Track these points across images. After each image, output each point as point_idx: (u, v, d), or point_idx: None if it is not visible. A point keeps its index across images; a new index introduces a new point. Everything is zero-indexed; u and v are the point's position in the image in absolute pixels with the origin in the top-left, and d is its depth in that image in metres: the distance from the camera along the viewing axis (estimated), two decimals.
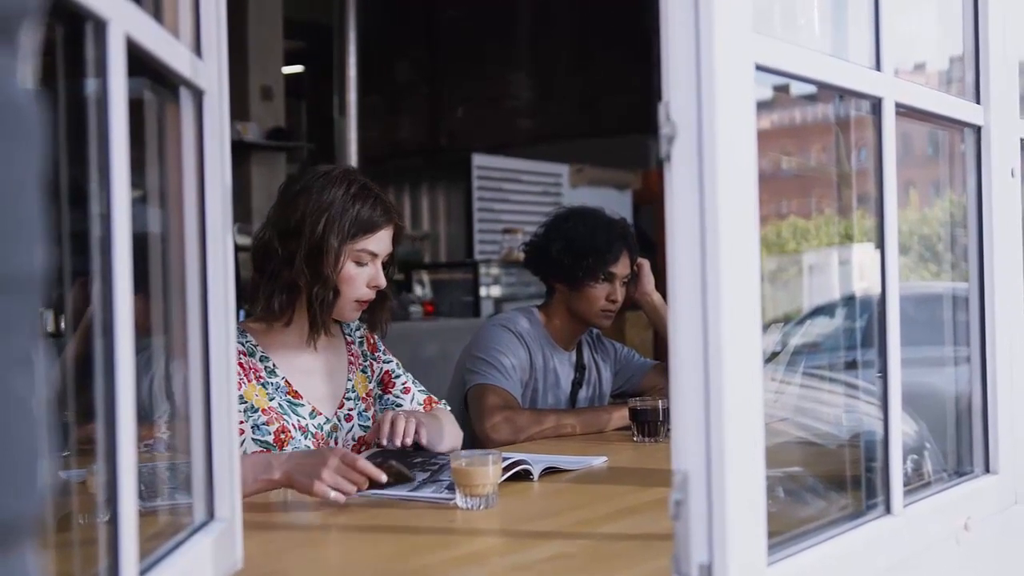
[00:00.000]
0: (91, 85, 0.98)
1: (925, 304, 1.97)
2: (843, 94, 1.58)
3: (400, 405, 2.40)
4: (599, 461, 2.33)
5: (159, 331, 1.35)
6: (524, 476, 2.12)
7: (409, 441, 2.15)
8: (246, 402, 2.15)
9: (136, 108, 1.06)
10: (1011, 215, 1.85)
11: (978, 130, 1.81)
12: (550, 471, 2.19)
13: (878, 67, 1.50)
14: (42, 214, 0.55)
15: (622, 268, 2.94)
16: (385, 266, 2.28)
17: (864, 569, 1.44)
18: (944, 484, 1.74)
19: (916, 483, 1.65)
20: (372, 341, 2.45)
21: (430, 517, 1.84)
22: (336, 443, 2.27)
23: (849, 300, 2.00)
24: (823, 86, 1.48)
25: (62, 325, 1.26)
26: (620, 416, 2.79)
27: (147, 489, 1.30)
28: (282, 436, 2.17)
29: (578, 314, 2.96)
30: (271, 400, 2.19)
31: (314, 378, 2.29)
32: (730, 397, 1.13)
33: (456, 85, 9.71)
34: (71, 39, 0.95)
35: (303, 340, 2.26)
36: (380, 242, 2.24)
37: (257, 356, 2.23)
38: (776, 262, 1.73)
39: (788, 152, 1.86)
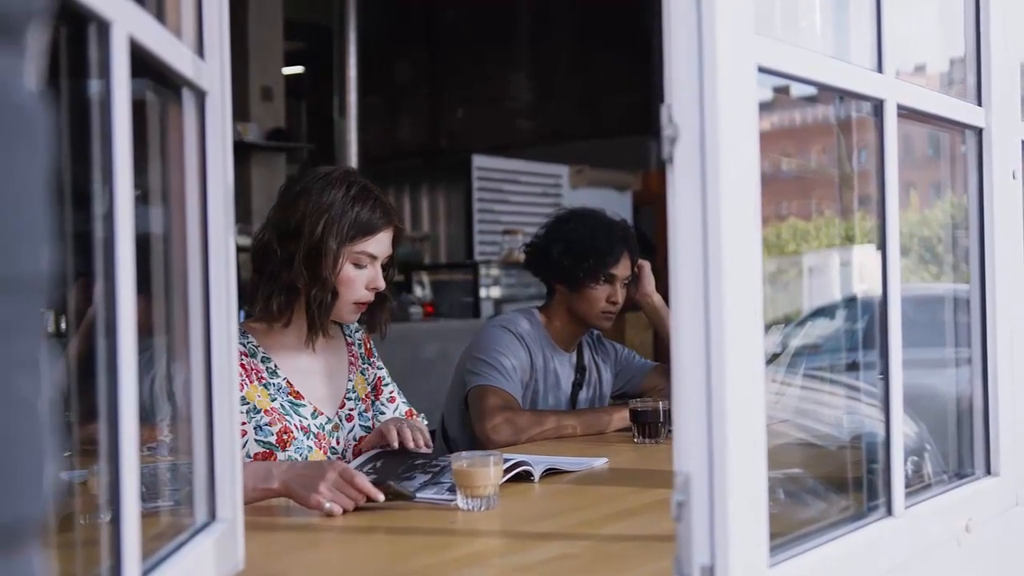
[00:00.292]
0: (94, 86, 0.98)
1: (925, 306, 1.97)
2: (845, 96, 1.58)
3: (383, 414, 2.40)
4: (600, 462, 2.33)
5: (161, 332, 1.35)
6: (525, 477, 2.12)
7: (420, 446, 2.15)
8: (248, 403, 2.15)
9: (138, 109, 1.06)
10: (1012, 217, 1.85)
11: (979, 132, 1.81)
12: (551, 472, 2.19)
13: (880, 69, 1.50)
14: (48, 216, 0.55)
15: (623, 269, 2.94)
16: (385, 268, 2.28)
17: (865, 570, 1.44)
18: (945, 486, 1.74)
19: (916, 485, 1.65)
20: (368, 346, 2.45)
21: (431, 518, 1.84)
22: (338, 443, 2.28)
23: (849, 302, 2.00)
24: (825, 88, 1.48)
25: (63, 325, 1.26)
26: (621, 417, 2.79)
27: (148, 490, 1.30)
28: (284, 437, 2.17)
29: (578, 315, 2.96)
30: (273, 401, 2.19)
31: (315, 378, 2.29)
32: (732, 398, 1.13)
33: (456, 86, 9.71)
34: (74, 40, 0.95)
35: (303, 341, 2.26)
36: (379, 244, 2.24)
37: (258, 357, 2.23)
38: (776, 263, 1.73)
39: (787, 153, 1.86)
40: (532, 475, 2.12)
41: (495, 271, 7.34)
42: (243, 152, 6.97)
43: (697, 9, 1.13)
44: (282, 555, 1.65)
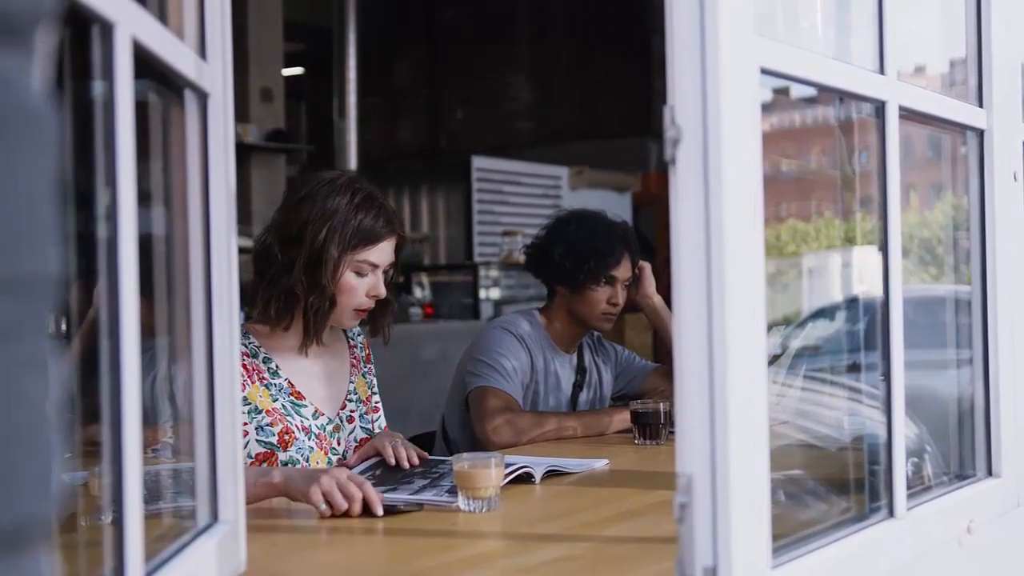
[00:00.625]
0: (97, 87, 0.98)
1: (925, 307, 1.97)
2: (847, 97, 1.58)
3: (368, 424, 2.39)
4: (601, 464, 2.33)
5: (163, 333, 1.35)
6: (526, 479, 2.12)
7: (415, 462, 2.16)
8: (250, 403, 2.15)
9: (140, 110, 1.06)
10: (1013, 218, 1.85)
11: (981, 133, 1.81)
12: (552, 474, 2.19)
13: (881, 70, 1.50)
14: (55, 217, 0.55)
15: (623, 271, 2.94)
16: (386, 273, 2.27)
17: (867, 572, 1.44)
18: (946, 487, 1.74)
19: (916, 486, 1.65)
20: (367, 351, 2.46)
21: (432, 520, 1.84)
22: (339, 443, 2.28)
23: (849, 303, 2.00)
24: (827, 89, 1.48)
25: (63, 326, 1.26)
26: (621, 419, 2.79)
27: (150, 492, 1.30)
28: (286, 437, 2.17)
29: (579, 317, 2.96)
30: (275, 401, 2.19)
31: (316, 379, 2.29)
32: (734, 400, 1.13)
33: (456, 87, 9.71)
34: (77, 41, 0.95)
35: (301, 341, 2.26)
36: (382, 253, 2.23)
37: (260, 358, 2.23)
38: (775, 264, 1.73)
39: (787, 154, 1.87)
40: (533, 477, 2.12)
41: (495, 272, 7.33)
42: (243, 153, 6.96)
43: (700, 11, 1.13)
44: (284, 556, 1.65)
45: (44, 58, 0.55)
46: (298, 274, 2.16)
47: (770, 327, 1.24)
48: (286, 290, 2.18)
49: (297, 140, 7.99)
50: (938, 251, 2.08)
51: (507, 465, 1.98)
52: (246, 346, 2.21)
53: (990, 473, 1.81)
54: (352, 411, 2.34)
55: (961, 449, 1.86)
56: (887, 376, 1.51)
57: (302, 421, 2.21)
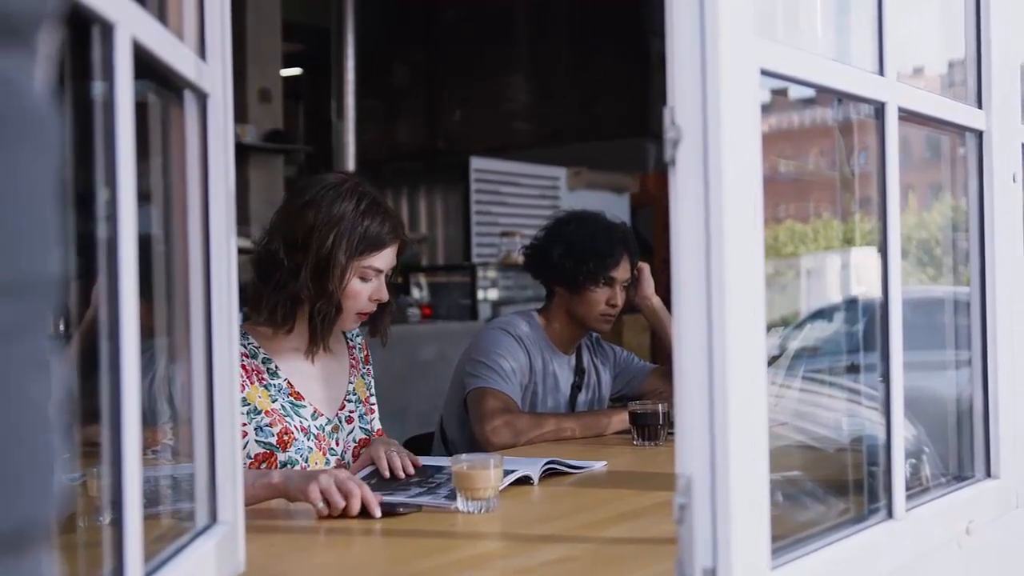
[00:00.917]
0: (97, 88, 0.98)
1: (923, 308, 1.97)
2: (847, 99, 1.58)
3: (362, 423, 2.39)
4: (599, 465, 2.33)
5: (162, 333, 1.35)
6: (525, 480, 2.11)
7: (411, 471, 2.14)
8: (249, 404, 2.15)
9: (140, 111, 1.06)
10: (1012, 220, 1.85)
11: (980, 135, 1.81)
12: (550, 474, 2.19)
13: (881, 72, 1.50)
14: (57, 218, 0.55)
15: (622, 272, 2.94)
16: (387, 276, 2.28)
17: (866, 573, 1.44)
18: (945, 489, 1.74)
19: (915, 487, 1.65)
20: (367, 352, 2.46)
21: (431, 521, 1.84)
22: (337, 444, 2.28)
23: (848, 304, 2.00)
24: (827, 91, 1.48)
25: (61, 327, 1.26)
26: (620, 420, 2.79)
27: (149, 494, 1.30)
28: (285, 438, 2.17)
29: (578, 318, 2.96)
30: (274, 402, 2.19)
31: (316, 380, 2.29)
32: (734, 401, 1.13)
33: (454, 88, 9.71)
34: (76, 41, 0.95)
35: (304, 344, 2.26)
36: (386, 258, 2.24)
37: (259, 358, 2.23)
38: (773, 265, 1.73)
39: (785, 155, 1.87)
40: (532, 478, 2.12)
41: (493, 273, 7.33)
42: (241, 154, 6.96)
43: (700, 12, 1.13)
44: (283, 557, 1.64)
45: (46, 59, 0.55)
46: (305, 280, 2.16)
47: (768, 328, 1.24)
48: (292, 295, 2.18)
49: (295, 141, 7.99)
50: (936, 252, 2.08)
51: (506, 473, 1.98)
52: (245, 347, 2.21)
53: (989, 474, 1.81)
54: (351, 412, 2.34)
55: (960, 450, 1.86)
56: (886, 377, 1.51)
57: (301, 422, 2.21)
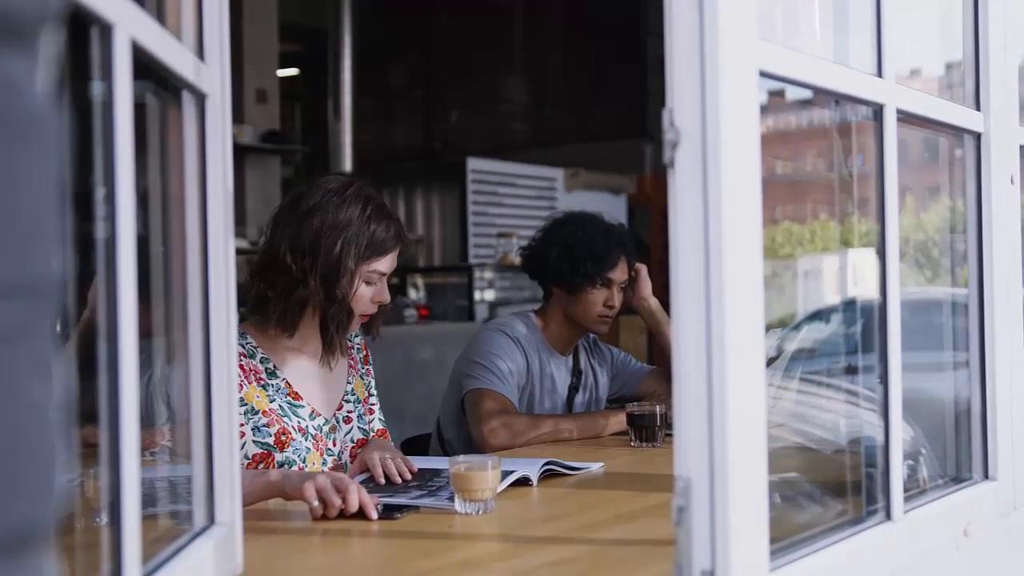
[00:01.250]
0: (96, 88, 0.97)
1: (920, 310, 1.98)
2: (845, 100, 1.58)
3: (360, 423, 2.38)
4: (597, 467, 2.33)
5: (160, 334, 1.35)
6: (523, 481, 2.11)
7: (407, 477, 2.13)
8: (246, 404, 2.15)
9: (138, 111, 1.06)
10: (1010, 221, 1.85)
11: (978, 137, 1.81)
12: (549, 475, 2.18)
13: (879, 74, 1.50)
14: (59, 220, 0.55)
15: (620, 274, 2.94)
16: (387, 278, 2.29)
17: (865, 574, 1.44)
18: (943, 490, 1.74)
19: (913, 489, 1.65)
20: (366, 352, 2.46)
21: (429, 522, 1.83)
22: (334, 444, 2.27)
23: (845, 305, 2.00)
24: (826, 92, 1.48)
25: (59, 327, 1.25)
26: (617, 421, 2.79)
27: (147, 495, 1.30)
28: (282, 438, 2.17)
29: (575, 319, 2.96)
30: (272, 402, 2.19)
31: (314, 380, 2.29)
32: (733, 403, 1.13)
33: (451, 89, 9.70)
34: (75, 42, 0.95)
35: (304, 343, 2.26)
36: (390, 262, 2.26)
37: (257, 358, 2.23)
38: (770, 267, 1.73)
39: (782, 157, 1.87)
40: (530, 480, 2.12)
41: (490, 274, 7.32)
42: (238, 154, 6.91)
43: (699, 13, 1.13)
44: (280, 559, 1.64)
45: (48, 61, 0.54)
46: (315, 286, 2.16)
47: (766, 329, 1.24)
48: (300, 302, 2.18)
49: (292, 141, 7.99)
50: (933, 254, 2.08)
51: (505, 475, 1.97)
52: (243, 346, 2.21)
53: (986, 476, 1.81)
54: (349, 412, 2.33)
55: (958, 452, 1.86)
56: (884, 379, 1.51)
57: (299, 422, 2.21)
